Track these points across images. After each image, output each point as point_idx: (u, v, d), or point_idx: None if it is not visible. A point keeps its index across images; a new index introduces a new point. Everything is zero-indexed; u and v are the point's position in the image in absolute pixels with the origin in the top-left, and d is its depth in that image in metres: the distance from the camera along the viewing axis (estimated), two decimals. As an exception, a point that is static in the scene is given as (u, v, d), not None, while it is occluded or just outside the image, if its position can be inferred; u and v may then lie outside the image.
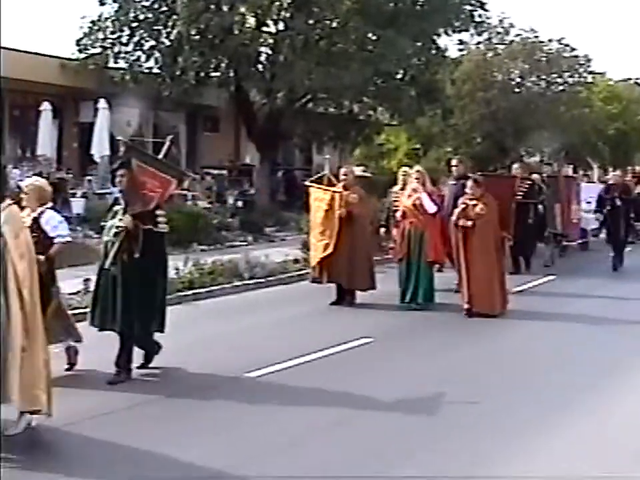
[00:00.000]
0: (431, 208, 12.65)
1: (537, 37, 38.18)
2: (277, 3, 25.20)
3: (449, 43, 64.81)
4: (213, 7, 24.24)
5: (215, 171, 28.59)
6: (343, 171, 13.60)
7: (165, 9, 25.63)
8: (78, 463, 6.52)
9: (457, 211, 12.60)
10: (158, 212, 8.75)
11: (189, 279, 14.10)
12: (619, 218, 17.82)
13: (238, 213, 24.65)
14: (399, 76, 26.52)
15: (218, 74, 26.14)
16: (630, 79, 48.66)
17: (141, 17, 25.77)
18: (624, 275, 17.46)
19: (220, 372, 9.07)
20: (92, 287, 13.09)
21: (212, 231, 20.75)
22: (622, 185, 18.52)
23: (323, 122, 29.83)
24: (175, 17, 24.63)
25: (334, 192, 13.10)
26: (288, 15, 25.29)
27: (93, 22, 25.73)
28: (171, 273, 14.04)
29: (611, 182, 18.99)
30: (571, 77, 39.05)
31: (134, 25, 25.71)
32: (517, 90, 38.48)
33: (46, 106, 23.10)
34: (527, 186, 16.78)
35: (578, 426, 7.51)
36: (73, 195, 21.41)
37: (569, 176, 21.57)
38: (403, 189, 13.56)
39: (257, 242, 21.41)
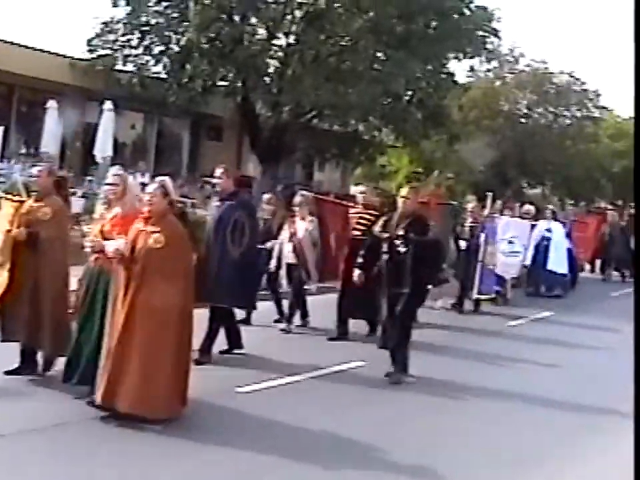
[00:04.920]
0: (110, 246, 7.68)
1: (546, 68, 38.23)
2: (289, 17, 25.17)
3: (458, 68, 65.06)
4: (224, 16, 24.21)
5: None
6: (35, 170, 8.97)
7: (176, 15, 25.58)
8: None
9: (112, 244, 7.66)
10: None
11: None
12: (402, 276, 9.60)
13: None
14: (407, 98, 26.46)
15: (225, 83, 26.07)
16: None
17: (153, 21, 25.74)
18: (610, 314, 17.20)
19: (211, 386, 8.91)
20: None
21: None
22: (414, 215, 9.95)
23: (327, 139, 29.79)
24: (186, 23, 24.58)
25: (19, 203, 8.86)
26: (299, 29, 25.24)
27: (104, 23, 25.70)
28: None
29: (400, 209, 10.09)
30: (579, 110, 39.01)
31: (145, 28, 25.68)
32: (523, 120, 38.47)
33: (52, 104, 23.00)
34: (369, 217, 11.76)
35: (586, 452, 7.40)
36: (74, 194, 21.26)
37: (444, 203, 16.30)
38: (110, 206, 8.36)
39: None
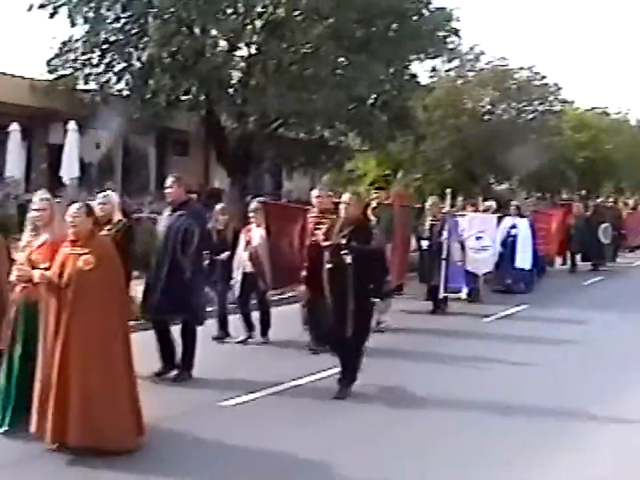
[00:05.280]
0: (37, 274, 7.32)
1: (507, 65, 38.39)
2: (249, 27, 25.11)
3: (420, 69, 65.38)
4: (184, 29, 24.10)
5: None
6: None
7: (136, 30, 25.43)
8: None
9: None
10: None
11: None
12: (345, 287, 9.17)
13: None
14: (371, 101, 26.49)
15: (189, 97, 25.96)
16: (597, 107, 49.06)
17: (112, 38, 25.54)
18: (600, 305, 17.32)
19: (195, 399, 8.87)
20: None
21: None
22: (357, 223, 9.51)
23: (293, 147, 29.73)
24: (146, 38, 24.45)
25: None
26: (260, 38, 25.19)
27: (63, 43, 25.49)
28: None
29: (342, 215, 9.65)
30: (541, 104, 39.25)
31: (105, 46, 25.48)
32: (486, 117, 38.60)
33: (15, 127, 22.85)
34: (326, 222, 10.60)
35: (565, 450, 7.41)
36: (40, 217, 21.11)
37: (407, 205, 15.53)
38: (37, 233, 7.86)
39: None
